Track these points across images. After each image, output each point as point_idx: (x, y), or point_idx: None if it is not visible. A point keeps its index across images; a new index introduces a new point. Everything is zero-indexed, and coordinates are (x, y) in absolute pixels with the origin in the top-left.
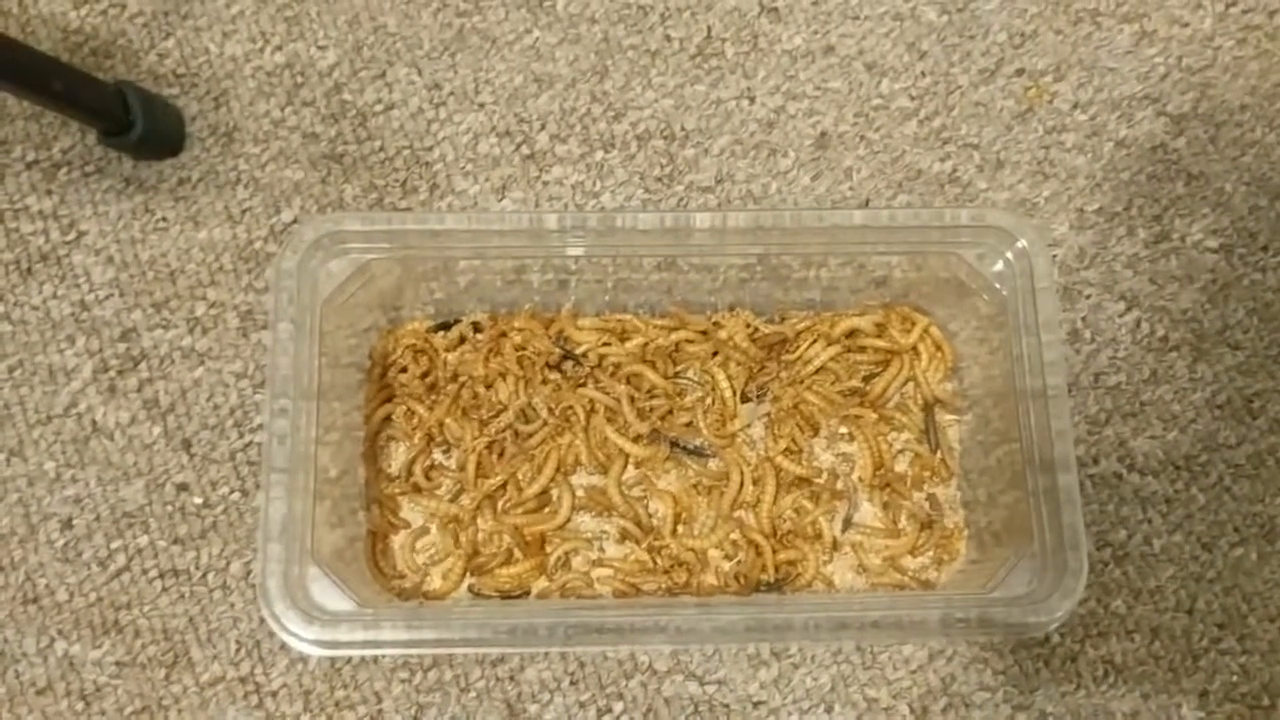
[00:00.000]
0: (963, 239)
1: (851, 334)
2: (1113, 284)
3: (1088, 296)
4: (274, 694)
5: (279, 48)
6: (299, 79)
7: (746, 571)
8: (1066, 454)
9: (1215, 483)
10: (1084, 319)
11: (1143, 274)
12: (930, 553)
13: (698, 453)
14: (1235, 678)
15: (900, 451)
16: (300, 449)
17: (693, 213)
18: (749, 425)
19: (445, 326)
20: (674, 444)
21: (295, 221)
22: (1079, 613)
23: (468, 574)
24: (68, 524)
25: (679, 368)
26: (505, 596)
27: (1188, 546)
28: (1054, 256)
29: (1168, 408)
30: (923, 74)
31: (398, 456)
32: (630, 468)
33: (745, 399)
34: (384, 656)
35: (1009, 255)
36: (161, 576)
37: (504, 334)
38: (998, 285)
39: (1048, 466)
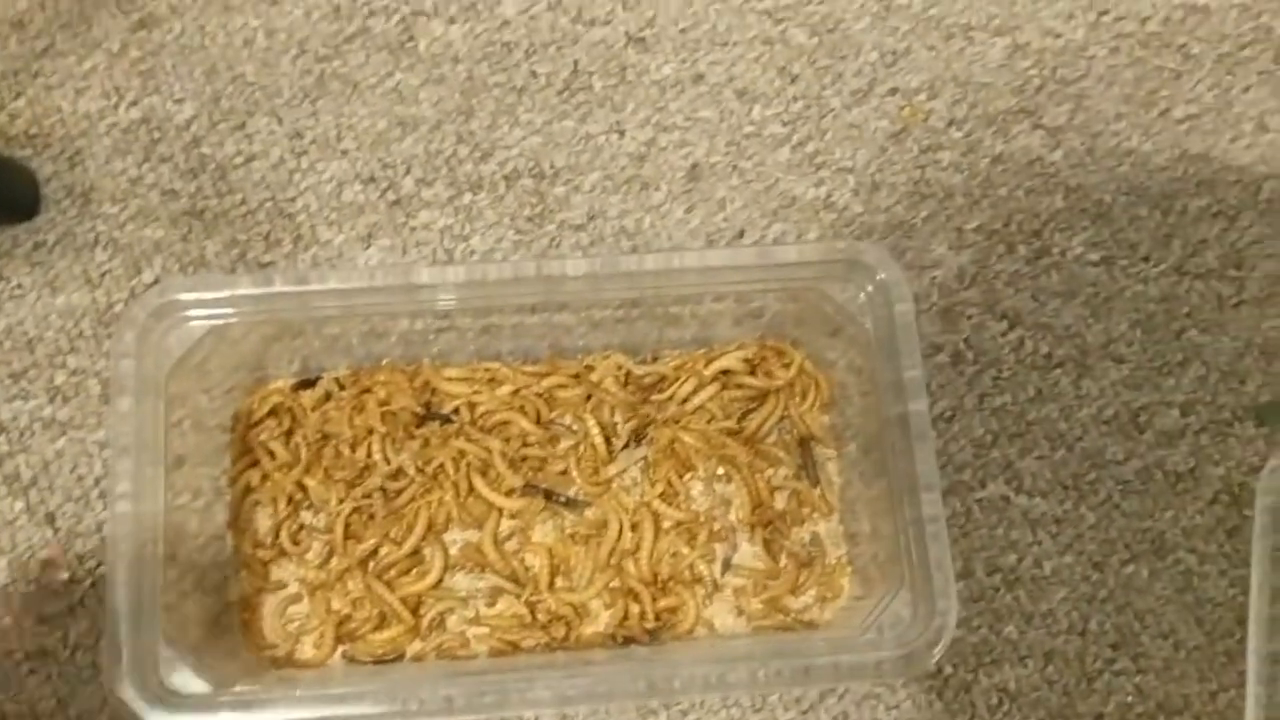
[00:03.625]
0: (822, 274)
1: (725, 371)
2: (994, 303)
3: (969, 317)
4: None
5: (134, 103)
6: (156, 134)
7: (626, 621)
8: (932, 483)
9: (1104, 500)
10: (966, 340)
11: (1024, 291)
12: (813, 591)
13: (572, 504)
14: (1130, 698)
15: (778, 489)
16: (148, 522)
17: (560, 259)
18: (625, 470)
19: (309, 384)
20: (548, 495)
21: (156, 282)
22: (971, 641)
23: (340, 640)
24: None
25: (553, 414)
26: (379, 662)
27: (1079, 567)
28: (933, 278)
29: (1054, 426)
30: (794, 98)
31: (265, 520)
32: (506, 520)
33: (625, 444)
34: None
35: (869, 287)
36: (28, 658)
37: (368, 390)
38: (860, 318)
39: (914, 497)
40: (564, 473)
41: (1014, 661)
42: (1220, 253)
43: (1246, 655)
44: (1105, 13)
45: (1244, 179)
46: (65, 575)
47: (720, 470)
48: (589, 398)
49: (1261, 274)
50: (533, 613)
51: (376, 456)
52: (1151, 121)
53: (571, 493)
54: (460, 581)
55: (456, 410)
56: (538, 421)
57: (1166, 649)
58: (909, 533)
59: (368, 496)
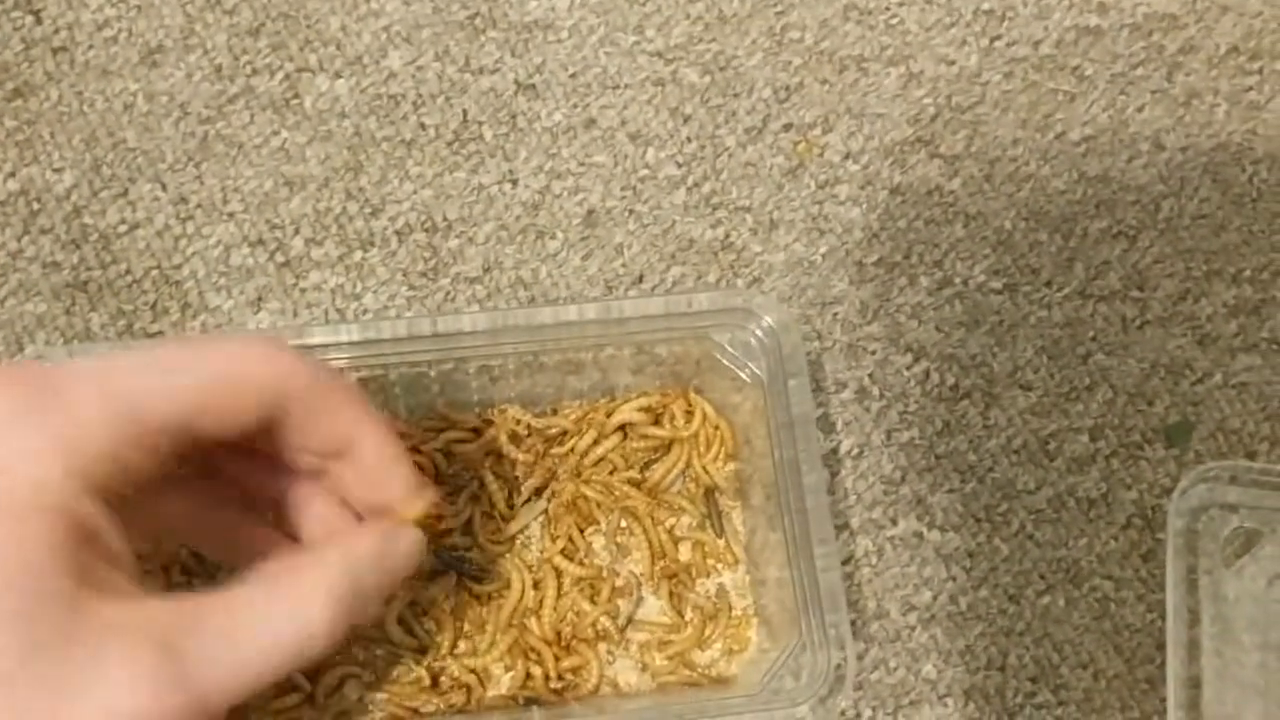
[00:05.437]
0: (711, 322)
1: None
2: (898, 336)
3: (873, 352)
4: None
5: (12, 174)
6: (35, 205)
7: (529, 682)
8: (825, 525)
9: (1017, 531)
10: (871, 375)
11: (928, 322)
12: (719, 644)
13: (475, 574)
14: None
15: (682, 540)
16: None
17: (456, 315)
18: (526, 527)
19: None
20: (448, 562)
21: (40, 358)
22: (889, 683)
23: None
24: None
25: (451, 470)
26: None
27: (995, 600)
28: (835, 314)
29: (964, 458)
30: (688, 139)
31: None
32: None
33: (526, 499)
34: None
35: (758, 332)
36: None
37: None
38: (751, 364)
39: (808, 541)
40: (465, 530)
41: (934, 701)
42: (1122, 274)
43: (1166, 680)
44: (998, 38)
45: (1142, 199)
46: None
47: (622, 523)
48: (488, 453)
49: (1164, 293)
50: (434, 680)
51: None
52: (1048, 145)
53: (472, 559)
54: (356, 648)
55: None
56: (436, 478)
57: (1086, 679)
58: (805, 579)
59: None
